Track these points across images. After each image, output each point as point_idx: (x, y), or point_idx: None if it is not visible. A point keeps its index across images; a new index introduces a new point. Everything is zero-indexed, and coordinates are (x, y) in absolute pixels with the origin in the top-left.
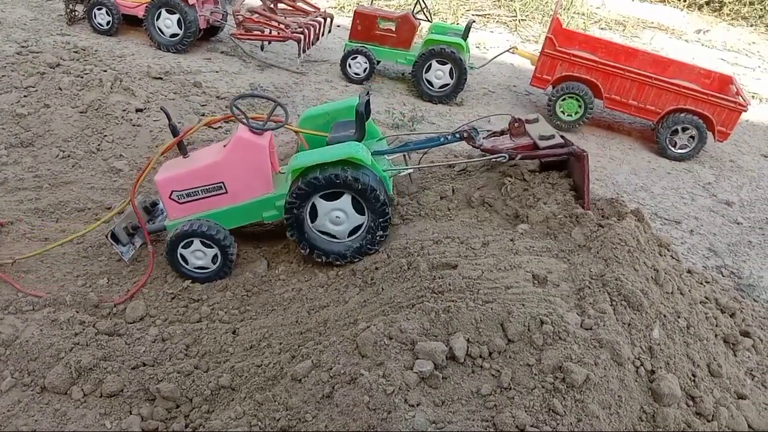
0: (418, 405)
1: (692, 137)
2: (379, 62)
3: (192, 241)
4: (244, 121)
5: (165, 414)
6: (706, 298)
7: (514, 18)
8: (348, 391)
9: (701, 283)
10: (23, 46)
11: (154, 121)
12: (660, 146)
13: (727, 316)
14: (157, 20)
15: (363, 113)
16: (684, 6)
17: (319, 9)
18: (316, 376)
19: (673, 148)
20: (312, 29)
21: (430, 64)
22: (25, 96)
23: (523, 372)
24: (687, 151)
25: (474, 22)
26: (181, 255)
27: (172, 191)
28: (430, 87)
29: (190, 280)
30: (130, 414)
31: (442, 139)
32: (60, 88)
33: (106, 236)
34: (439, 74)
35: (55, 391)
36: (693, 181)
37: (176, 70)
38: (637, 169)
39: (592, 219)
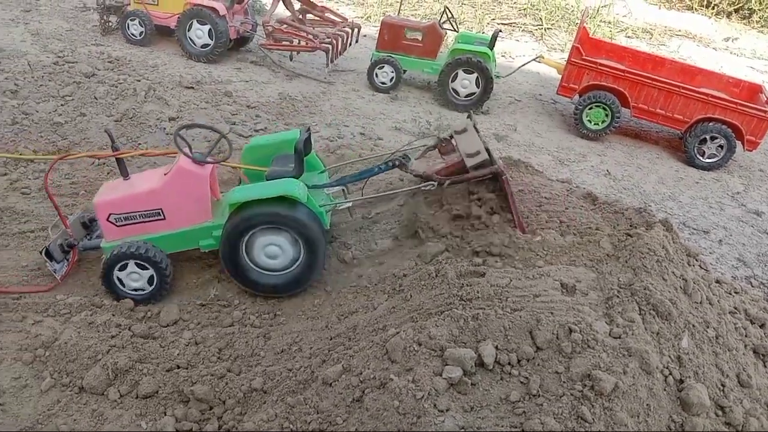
0: (447, 410)
1: (721, 146)
2: (405, 71)
3: (127, 264)
4: (187, 152)
5: (198, 415)
6: (735, 308)
7: (540, 27)
8: (378, 395)
9: (730, 294)
10: (60, 56)
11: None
12: (688, 155)
13: (757, 326)
14: (188, 31)
15: (302, 150)
16: (712, 14)
17: (346, 19)
18: (347, 381)
19: (701, 158)
20: (340, 39)
21: (457, 73)
22: (62, 105)
23: (551, 379)
24: (715, 161)
25: (500, 31)
26: (118, 278)
27: (109, 214)
28: (456, 96)
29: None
30: (165, 415)
31: (375, 170)
32: (95, 97)
33: (41, 252)
34: (465, 83)
35: (92, 392)
36: (722, 191)
37: (207, 80)
38: (665, 179)
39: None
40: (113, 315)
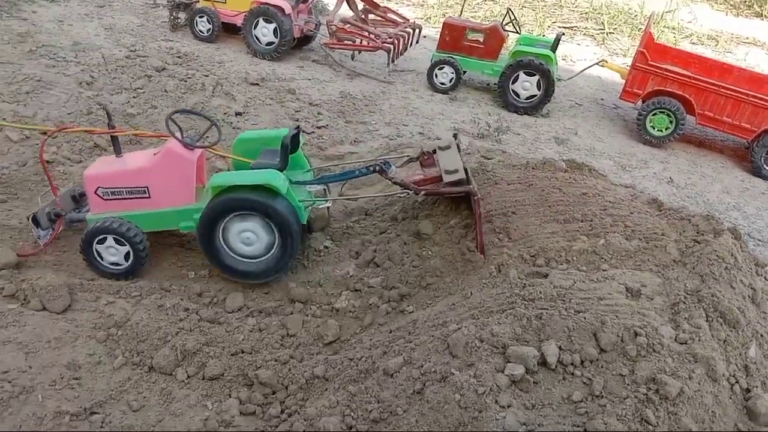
0: (508, 406)
1: None
2: (464, 72)
3: (106, 238)
4: (177, 136)
5: (262, 399)
6: None
7: (602, 31)
8: (439, 388)
9: None
10: (132, 51)
11: (252, 124)
12: (754, 165)
13: None
14: (254, 28)
15: (288, 145)
16: None
17: (408, 20)
18: (408, 372)
19: None
20: (401, 39)
21: (518, 75)
22: (134, 97)
23: (615, 381)
24: None
25: (563, 34)
26: (96, 251)
27: (98, 187)
28: (516, 98)
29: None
30: (230, 397)
31: (357, 173)
32: (166, 90)
33: (28, 218)
34: (526, 85)
35: (161, 371)
36: None
37: (272, 77)
38: (730, 188)
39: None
40: (181, 299)
